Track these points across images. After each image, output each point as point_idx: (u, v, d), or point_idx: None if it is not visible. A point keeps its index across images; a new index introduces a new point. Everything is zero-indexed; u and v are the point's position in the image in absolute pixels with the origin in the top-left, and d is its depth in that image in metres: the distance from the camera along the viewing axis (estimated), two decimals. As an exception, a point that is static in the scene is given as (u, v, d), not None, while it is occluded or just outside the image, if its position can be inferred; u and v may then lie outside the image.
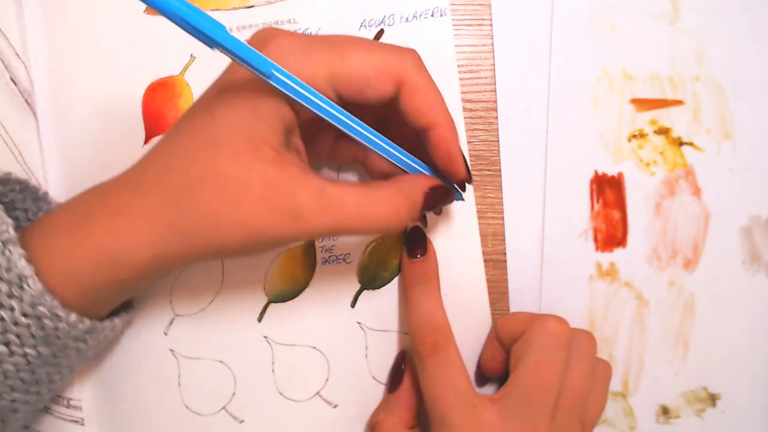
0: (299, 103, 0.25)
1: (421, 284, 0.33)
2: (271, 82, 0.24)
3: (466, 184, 0.33)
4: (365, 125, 0.27)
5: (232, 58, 0.23)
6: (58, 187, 0.34)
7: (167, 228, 0.26)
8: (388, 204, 0.27)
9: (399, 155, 0.29)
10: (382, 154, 0.28)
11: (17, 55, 0.34)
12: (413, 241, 0.34)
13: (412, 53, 0.27)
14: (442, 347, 0.31)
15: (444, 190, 0.30)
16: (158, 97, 0.35)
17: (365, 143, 0.27)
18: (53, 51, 0.35)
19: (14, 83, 0.34)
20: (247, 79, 0.26)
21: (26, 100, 0.34)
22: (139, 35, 0.35)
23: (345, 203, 0.26)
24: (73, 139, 0.35)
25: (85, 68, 0.35)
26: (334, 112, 0.26)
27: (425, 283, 0.33)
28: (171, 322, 0.35)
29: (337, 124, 0.26)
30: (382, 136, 0.28)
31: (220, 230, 0.26)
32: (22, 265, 0.25)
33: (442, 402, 0.30)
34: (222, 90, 0.26)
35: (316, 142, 0.32)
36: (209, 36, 0.21)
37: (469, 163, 0.31)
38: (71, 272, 0.26)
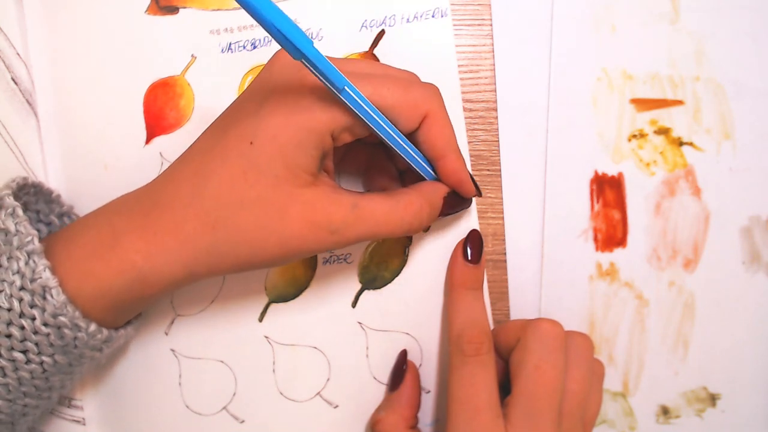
0: (360, 117, 0.27)
1: (475, 289, 0.34)
2: (341, 96, 0.26)
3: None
4: (408, 142, 0.30)
5: (311, 70, 0.24)
6: (59, 187, 0.34)
7: (202, 250, 0.27)
8: (411, 207, 0.30)
9: (428, 169, 0.32)
10: (416, 167, 0.31)
11: (18, 55, 0.34)
12: (475, 247, 0.34)
13: (436, 90, 0.30)
14: (485, 351, 0.32)
15: (460, 197, 0.33)
16: (159, 97, 0.35)
17: (405, 157, 0.30)
18: (54, 51, 0.35)
19: (15, 83, 0.34)
20: (289, 109, 0.27)
21: (27, 101, 0.34)
22: (140, 35, 0.35)
23: (376, 213, 0.29)
24: (75, 140, 0.35)
25: (86, 68, 0.35)
26: (387, 129, 0.28)
27: (479, 290, 0.34)
28: (172, 322, 0.35)
29: (385, 138, 0.29)
30: (420, 153, 0.31)
31: (260, 250, 0.28)
32: (47, 276, 0.26)
33: (473, 403, 0.30)
34: (259, 117, 0.27)
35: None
36: (298, 48, 0.23)
37: (475, 179, 0.34)
38: (101, 291, 0.27)
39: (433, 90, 0.30)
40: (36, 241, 0.26)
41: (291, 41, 0.22)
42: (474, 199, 0.36)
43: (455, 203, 0.33)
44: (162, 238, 0.27)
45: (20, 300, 0.26)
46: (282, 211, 0.27)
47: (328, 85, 0.25)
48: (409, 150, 0.30)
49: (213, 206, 0.27)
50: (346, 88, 0.25)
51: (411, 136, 0.30)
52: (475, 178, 0.36)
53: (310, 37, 0.35)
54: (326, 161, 0.30)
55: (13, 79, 0.34)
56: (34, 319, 0.26)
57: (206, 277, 0.28)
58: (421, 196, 0.31)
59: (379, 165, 0.34)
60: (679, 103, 0.36)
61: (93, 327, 0.27)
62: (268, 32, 0.22)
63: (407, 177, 0.34)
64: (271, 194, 0.27)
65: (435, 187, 0.32)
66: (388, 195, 0.30)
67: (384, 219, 0.29)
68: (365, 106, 0.27)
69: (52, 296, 0.26)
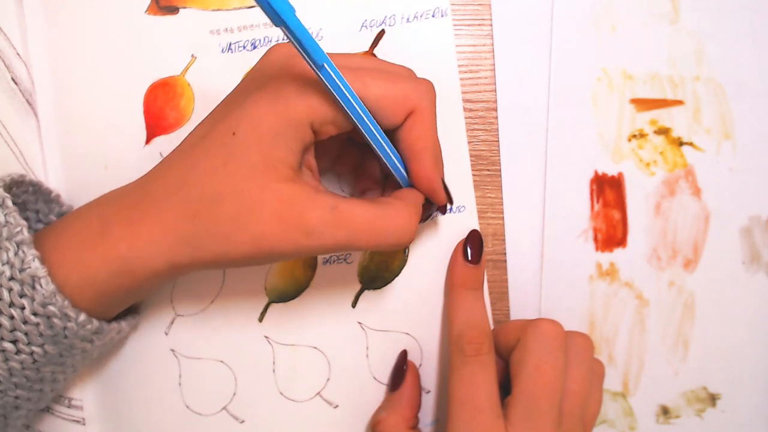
0: (336, 100, 0.26)
1: (475, 290, 0.34)
2: (319, 74, 0.25)
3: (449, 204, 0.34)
4: (385, 137, 0.28)
5: (291, 41, 0.23)
6: (58, 187, 0.34)
7: (183, 240, 0.27)
8: (399, 218, 0.28)
9: (401, 170, 0.30)
10: (390, 165, 0.30)
11: (18, 55, 0.34)
12: (475, 247, 0.34)
13: (429, 87, 0.29)
14: (486, 351, 0.32)
15: (429, 204, 0.32)
16: (159, 97, 0.35)
17: (379, 152, 0.29)
18: (54, 51, 0.35)
19: (15, 83, 0.34)
20: (270, 98, 0.26)
21: (27, 100, 0.34)
22: (140, 35, 0.35)
23: (356, 219, 0.27)
24: (74, 140, 0.35)
25: (86, 68, 0.35)
26: (363, 116, 0.27)
27: (479, 290, 0.34)
28: (172, 322, 0.35)
29: (360, 127, 0.27)
30: (396, 151, 0.29)
31: (234, 245, 0.27)
32: (36, 266, 0.26)
33: (473, 403, 0.30)
34: (243, 108, 0.27)
35: (321, 154, 0.32)
36: (278, 14, 0.22)
37: (449, 188, 0.32)
38: (88, 280, 0.27)
39: (425, 86, 0.29)
40: (25, 231, 0.26)
41: (271, 5, 0.21)
42: (474, 200, 0.36)
43: (427, 210, 0.32)
44: (146, 227, 0.27)
45: (9, 290, 0.26)
46: (256, 204, 0.26)
47: (307, 59, 0.24)
48: (384, 145, 0.28)
49: (195, 196, 0.27)
50: (325, 65, 0.24)
51: (392, 134, 0.29)
52: (475, 178, 0.36)
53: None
54: (308, 156, 0.29)
55: (13, 79, 0.34)
56: (23, 308, 0.26)
57: (189, 269, 0.28)
58: (410, 207, 0.29)
59: (366, 167, 0.34)
60: (679, 103, 0.36)
61: (82, 317, 0.27)
62: None
63: (389, 182, 0.33)
64: (247, 186, 0.26)
65: (415, 197, 0.30)
66: (372, 202, 0.28)
67: (366, 227, 0.27)
68: (343, 88, 0.25)
69: (41, 286, 0.26)
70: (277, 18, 0.22)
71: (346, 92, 0.26)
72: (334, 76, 0.25)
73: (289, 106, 0.26)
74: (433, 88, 0.29)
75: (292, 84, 0.26)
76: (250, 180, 0.26)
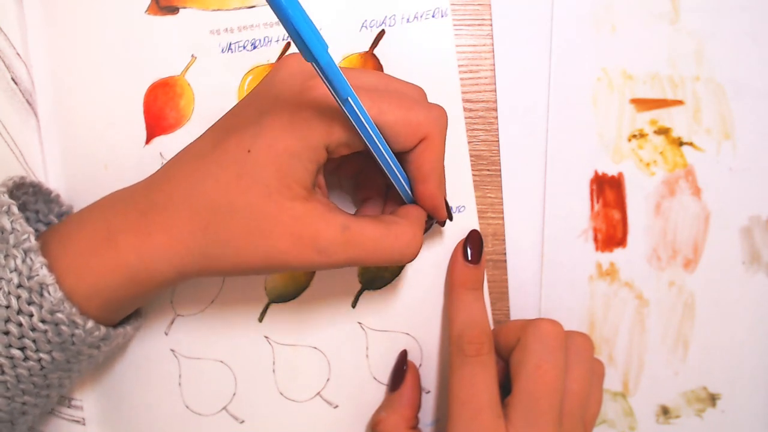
0: (357, 132, 0.26)
1: (475, 290, 0.34)
2: (343, 106, 0.25)
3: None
4: (396, 160, 0.29)
5: (319, 74, 0.24)
6: (58, 187, 0.34)
7: (194, 251, 0.27)
8: (405, 237, 0.29)
9: (407, 190, 0.31)
10: (396, 185, 0.31)
11: (18, 55, 0.34)
12: (475, 247, 0.34)
13: (441, 113, 0.29)
14: (486, 351, 0.32)
15: (429, 217, 0.33)
16: (159, 97, 0.35)
17: (388, 174, 0.30)
18: (54, 51, 0.35)
19: (15, 83, 0.34)
20: (289, 120, 0.27)
21: (27, 101, 0.34)
22: (141, 35, 0.35)
23: (366, 238, 0.28)
24: (75, 140, 0.35)
25: (86, 68, 0.35)
26: (380, 147, 0.28)
27: (479, 290, 0.34)
28: (172, 322, 0.35)
29: (375, 154, 0.28)
30: (403, 172, 0.30)
31: (245, 258, 0.27)
32: (44, 274, 0.26)
33: (474, 403, 0.30)
34: (259, 126, 0.27)
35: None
36: (311, 52, 0.22)
37: (450, 206, 0.33)
38: (96, 288, 0.27)
39: (437, 113, 0.29)
40: (32, 238, 0.26)
41: (306, 43, 0.22)
42: (474, 199, 0.36)
43: (427, 222, 0.33)
44: (155, 238, 0.27)
45: (18, 297, 0.26)
46: (270, 222, 0.27)
47: (333, 92, 0.25)
48: (395, 170, 0.29)
49: (206, 209, 0.27)
50: (349, 99, 0.25)
51: (402, 155, 0.30)
52: (475, 178, 0.36)
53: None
54: (318, 175, 0.29)
55: (13, 79, 0.34)
56: (31, 315, 0.26)
57: (197, 277, 0.28)
58: (414, 226, 0.30)
59: (370, 174, 0.34)
60: (679, 103, 0.36)
61: (90, 324, 0.27)
62: (286, 30, 0.21)
63: (392, 192, 0.33)
64: (261, 203, 0.27)
65: (419, 215, 0.31)
66: (380, 221, 0.29)
67: (375, 246, 0.28)
68: (364, 121, 0.26)
69: (49, 293, 0.26)
70: (309, 54, 0.22)
71: (365, 123, 0.26)
72: (357, 109, 0.25)
73: (308, 130, 0.26)
74: (446, 114, 0.30)
75: (311, 107, 0.27)
76: (266, 197, 0.27)
